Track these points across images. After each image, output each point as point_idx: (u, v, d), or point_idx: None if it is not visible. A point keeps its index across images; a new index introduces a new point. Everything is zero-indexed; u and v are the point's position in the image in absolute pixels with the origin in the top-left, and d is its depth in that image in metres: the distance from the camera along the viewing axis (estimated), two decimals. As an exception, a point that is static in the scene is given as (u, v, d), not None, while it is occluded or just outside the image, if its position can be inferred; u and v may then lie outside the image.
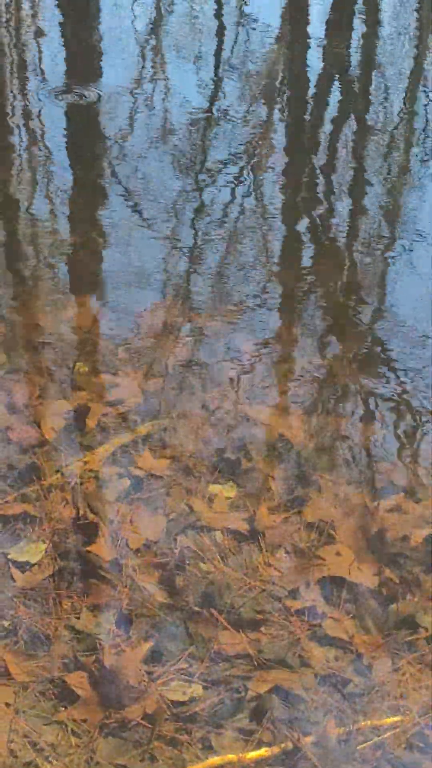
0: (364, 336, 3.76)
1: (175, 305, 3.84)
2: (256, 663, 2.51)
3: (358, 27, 6.59)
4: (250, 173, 4.82)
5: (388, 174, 4.96)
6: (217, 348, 3.62)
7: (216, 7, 6.71)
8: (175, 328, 3.71)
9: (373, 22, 6.64)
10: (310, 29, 6.42)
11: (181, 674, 2.48)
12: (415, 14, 6.78)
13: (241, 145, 5.03)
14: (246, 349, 3.60)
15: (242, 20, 6.54)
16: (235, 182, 4.72)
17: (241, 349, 3.60)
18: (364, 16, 6.76)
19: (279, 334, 3.73)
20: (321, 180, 4.93)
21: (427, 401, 3.41)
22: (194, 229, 4.40)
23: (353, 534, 2.86)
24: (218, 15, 6.60)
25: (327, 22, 6.53)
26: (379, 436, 3.27)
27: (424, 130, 5.32)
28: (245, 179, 4.77)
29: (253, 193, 4.70)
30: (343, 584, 2.73)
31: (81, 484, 2.95)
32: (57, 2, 6.61)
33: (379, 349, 3.69)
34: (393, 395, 3.44)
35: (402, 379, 3.52)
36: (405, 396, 3.44)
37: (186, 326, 3.73)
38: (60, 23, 6.30)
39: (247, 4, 6.75)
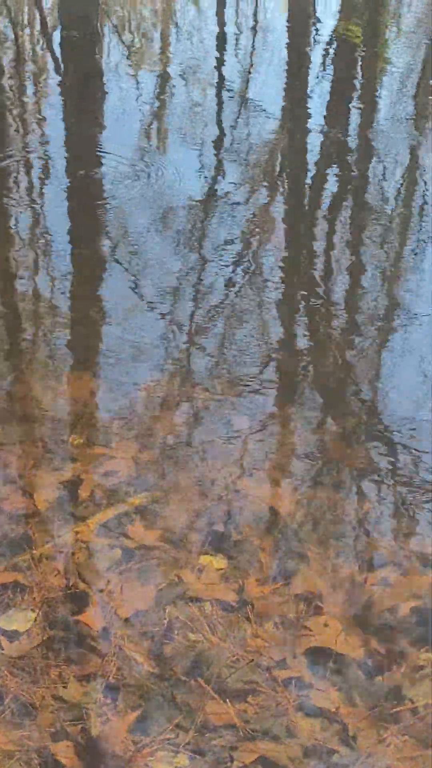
0: (356, 415, 3.82)
1: (171, 381, 3.91)
2: (242, 733, 2.52)
3: (356, 113, 6.78)
4: (250, 255, 4.93)
5: (386, 257, 5.06)
6: (211, 424, 3.68)
7: (218, 93, 6.92)
8: (171, 403, 3.78)
9: (371, 109, 6.82)
10: (310, 115, 6.60)
11: (168, 744, 2.49)
12: (412, 101, 6.97)
13: (241, 227, 5.15)
14: (239, 425, 3.66)
15: (244, 106, 6.73)
16: (235, 264, 4.83)
17: (234, 426, 3.65)
18: (361, 104, 6.95)
19: (273, 412, 3.79)
20: (319, 263, 5.03)
21: (416, 478, 3.46)
22: (193, 308, 4.49)
23: (341, 606, 2.88)
24: (220, 101, 6.80)
25: (326, 109, 6.73)
26: (367, 511, 3.31)
27: (420, 215, 5.44)
28: (244, 261, 4.87)
29: (252, 275, 4.81)
30: (331, 655, 2.74)
31: (72, 554, 2.98)
32: (60, 90, 6.84)
33: (370, 427, 3.75)
34: (382, 472, 3.48)
35: (392, 457, 3.58)
36: (394, 473, 3.49)
37: (181, 402, 3.80)
38: (63, 107, 6.51)
39: (248, 92, 6.96)
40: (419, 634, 2.82)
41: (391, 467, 3.51)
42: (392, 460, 3.55)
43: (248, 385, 3.90)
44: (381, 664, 2.73)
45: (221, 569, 2.98)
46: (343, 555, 3.08)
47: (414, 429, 3.70)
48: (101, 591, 2.86)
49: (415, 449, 3.59)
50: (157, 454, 3.46)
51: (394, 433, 3.69)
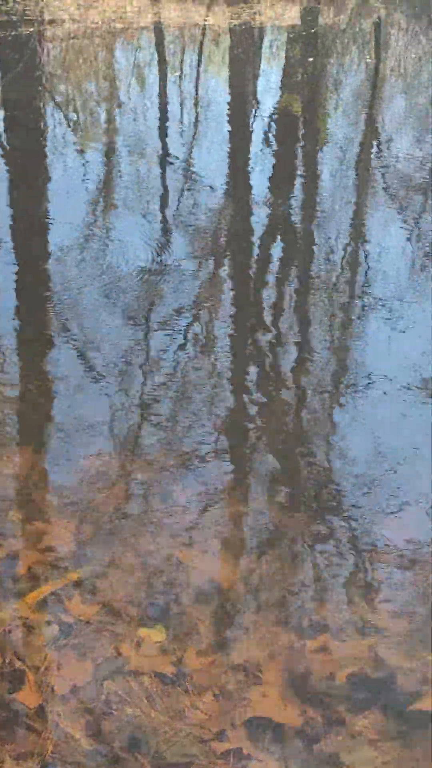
0: (302, 483, 3.86)
1: (114, 454, 3.94)
2: (180, 808, 2.52)
3: (299, 185, 6.92)
4: (198, 325, 4.99)
5: (333, 324, 5.14)
6: (153, 496, 3.70)
7: (163, 167, 7.04)
8: (113, 476, 3.80)
9: (313, 180, 6.97)
10: (253, 187, 6.73)
11: None
12: (353, 172, 7.14)
13: (189, 298, 5.22)
14: (181, 497, 3.69)
15: (189, 179, 6.85)
16: (183, 333, 4.89)
17: (176, 498, 3.68)
18: (304, 175, 7.11)
19: (215, 483, 3.82)
20: (267, 331, 5.10)
21: (358, 543, 3.50)
22: (140, 379, 4.53)
23: (280, 674, 2.89)
24: (166, 175, 6.92)
25: (269, 180, 6.87)
26: (307, 579, 3.33)
27: (364, 283, 5.54)
28: (193, 331, 4.93)
29: (201, 345, 4.86)
30: (269, 725, 2.75)
31: (9, 631, 2.98)
32: (7, 166, 6.94)
33: (315, 495, 3.79)
34: (322, 540, 3.51)
35: (333, 524, 3.61)
36: (335, 541, 3.52)
37: (124, 475, 3.82)
38: (9, 183, 6.59)
39: (192, 166, 7.09)
40: (357, 700, 2.83)
41: (331, 535, 3.54)
42: (333, 527, 3.58)
43: (192, 457, 3.93)
44: (319, 731, 2.73)
45: (160, 642, 2.98)
46: (283, 624, 3.10)
47: (361, 496, 3.74)
48: (38, 668, 2.86)
49: (358, 517, 3.63)
50: (97, 527, 3.48)
51: (338, 499, 3.73)
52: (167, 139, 7.59)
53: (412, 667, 2.90)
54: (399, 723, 2.75)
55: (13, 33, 9.55)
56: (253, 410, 4.39)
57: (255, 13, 10.38)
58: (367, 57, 9.64)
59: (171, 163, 7.10)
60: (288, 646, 3.00)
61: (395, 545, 3.51)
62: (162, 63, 9.20)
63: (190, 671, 2.89)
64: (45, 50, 9.38)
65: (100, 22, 9.86)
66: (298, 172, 7.13)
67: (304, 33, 9.96)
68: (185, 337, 4.85)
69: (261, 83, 9.00)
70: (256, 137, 7.59)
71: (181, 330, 4.89)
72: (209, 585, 3.26)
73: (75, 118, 8.09)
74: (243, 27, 9.87)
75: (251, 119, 8.05)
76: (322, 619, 3.12)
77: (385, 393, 4.48)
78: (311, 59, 9.21)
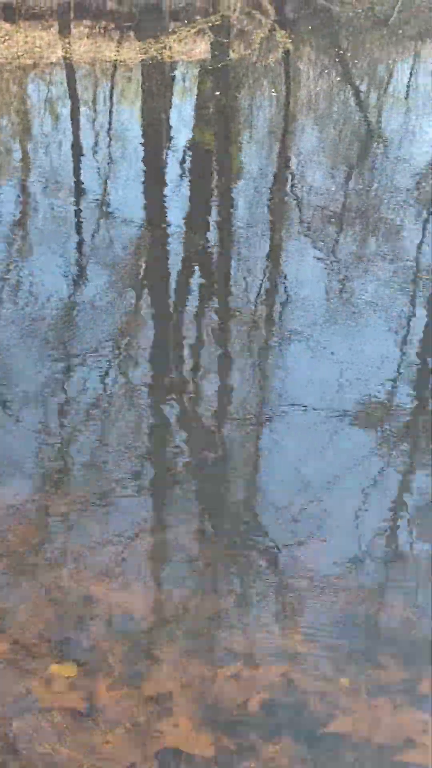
0: (221, 513, 3.87)
1: (28, 489, 3.90)
2: None
3: (214, 217, 6.97)
4: (116, 360, 4.98)
5: (252, 355, 5.17)
6: (68, 530, 3.68)
7: (78, 201, 7.04)
8: (28, 512, 3.76)
9: (227, 212, 7.02)
10: (169, 220, 6.75)
11: None
12: (267, 203, 7.21)
13: (107, 332, 5.20)
14: (96, 530, 3.67)
15: (104, 214, 6.86)
16: (101, 368, 4.87)
17: (90, 531, 3.65)
18: (219, 208, 7.16)
19: (133, 515, 3.80)
20: (187, 361, 5.12)
21: (276, 572, 3.51)
22: (57, 414, 4.50)
23: (191, 704, 2.88)
24: (81, 209, 6.92)
25: (185, 213, 6.91)
26: (221, 607, 3.33)
27: (281, 314, 5.59)
28: (111, 365, 4.92)
29: (119, 379, 4.86)
30: (180, 755, 2.73)
31: None
32: None
33: (230, 527, 3.80)
34: (243, 568, 3.52)
35: (255, 553, 3.62)
36: (254, 567, 3.53)
37: (38, 510, 3.78)
38: None
39: (108, 201, 7.11)
40: (269, 726, 2.83)
41: (249, 565, 3.55)
42: (252, 557, 3.59)
43: (109, 491, 3.92)
44: (231, 760, 2.72)
45: (71, 677, 2.95)
46: (195, 653, 3.09)
47: (283, 526, 3.77)
48: None
49: (278, 547, 3.65)
50: (7, 564, 3.43)
51: (259, 529, 3.75)
52: (81, 174, 7.60)
53: (324, 691, 2.91)
54: (310, 748, 2.75)
55: None
56: (173, 442, 4.39)
57: (165, 48, 10.49)
58: (273, 91, 9.80)
59: (86, 198, 7.10)
60: (201, 676, 2.99)
61: (311, 572, 3.53)
62: (74, 98, 9.25)
63: (102, 706, 2.87)
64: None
65: (9, 58, 9.90)
66: (214, 205, 7.18)
67: (213, 67, 10.10)
68: (103, 372, 4.83)
69: (174, 117, 9.08)
70: (171, 171, 7.64)
71: (99, 364, 4.87)
72: (122, 618, 3.24)
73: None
74: (153, 62, 9.97)
75: (165, 153, 8.11)
76: (236, 647, 3.12)
77: (306, 421, 4.53)
78: (218, 93, 9.33)
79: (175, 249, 6.34)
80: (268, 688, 2.95)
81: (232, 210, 7.04)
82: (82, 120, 9.04)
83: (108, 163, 7.87)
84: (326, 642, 3.16)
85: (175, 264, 6.16)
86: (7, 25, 11.60)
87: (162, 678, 2.97)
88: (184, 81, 10.46)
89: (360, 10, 14.75)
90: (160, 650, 3.09)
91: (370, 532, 3.82)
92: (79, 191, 7.26)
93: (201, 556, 3.56)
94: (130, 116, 9.40)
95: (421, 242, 6.57)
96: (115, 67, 10.26)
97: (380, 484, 4.15)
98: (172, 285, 5.91)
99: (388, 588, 3.53)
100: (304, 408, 4.61)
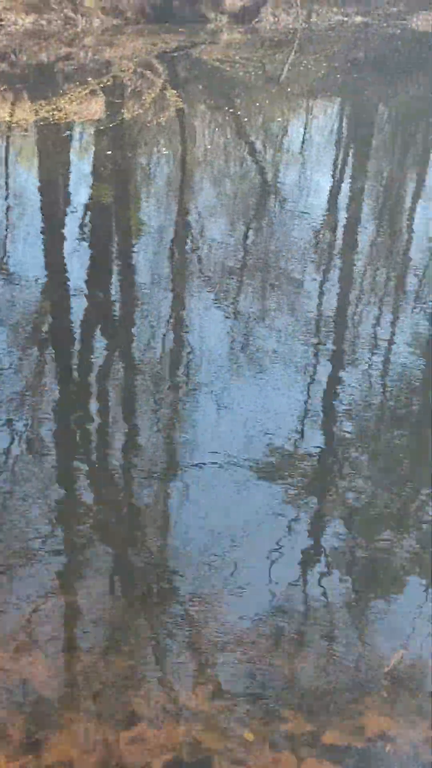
0: (135, 571, 3.80)
1: None
2: None
3: (116, 274, 6.96)
4: (22, 419, 4.89)
5: (157, 407, 5.13)
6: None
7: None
8: None
9: (129, 268, 7.01)
10: (70, 278, 6.71)
11: None
12: (168, 259, 7.23)
13: (11, 391, 5.12)
14: (4, 595, 3.56)
15: (3, 273, 6.78)
16: (6, 430, 4.78)
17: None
18: (119, 264, 7.15)
19: (43, 579, 3.70)
20: (94, 418, 5.05)
21: (185, 628, 3.45)
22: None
23: (95, 770, 2.78)
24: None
25: (86, 271, 6.88)
26: (122, 668, 3.24)
27: (186, 369, 5.58)
28: (16, 426, 4.83)
29: (26, 439, 4.77)
30: None
31: None
32: None
33: (148, 581, 3.73)
34: (148, 626, 3.45)
35: (168, 609, 3.56)
36: (162, 626, 3.46)
37: None
38: None
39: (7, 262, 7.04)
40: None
41: (157, 622, 3.48)
42: (163, 614, 3.52)
43: (11, 555, 3.81)
44: None
45: (-32, 750, 2.83)
46: (98, 717, 2.99)
47: (197, 580, 3.71)
48: None
49: (192, 602, 3.59)
50: None
51: (173, 585, 3.68)
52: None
53: (227, 748, 2.84)
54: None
55: None
56: (87, 498, 4.32)
57: (58, 109, 10.49)
58: (167, 149, 9.89)
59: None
60: (103, 740, 2.89)
61: (220, 626, 3.48)
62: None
63: (1, 778, 2.75)
64: None
65: None
66: (115, 262, 7.16)
67: (106, 127, 10.12)
68: (9, 433, 4.75)
69: (71, 176, 9.05)
70: (70, 229, 7.61)
71: (3, 426, 4.79)
72: (21, 686, 3.13)
73: None
74: (48, 122, 9.97)
75: (64, 212, 8.08)
76: (139, 709, 3.03)
77: (215, 473, 4.51)
78: (113, 152, 9.34)
79: (78, 306, 6.29)
80: (172, 749, 2.86)
81: (133, 266, 7.03)
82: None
83: (6, 225, 7.80)
84: (232, 697, 3.09)
85: (77, 321, 6.11)
86: None
87: (63, 745, 2.86)
88: (79, 141, 10.49)
89: (250, 70, 15.06)
90: (61, 717, 2.98)
91: (280, 585, 3.79)
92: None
93: (107, 616, 3.48)
94: (26, 177, 9.37)
95: (321, 294, 6.65)
96: (9, 128, 10.25)
97: (289, 535, 4.13)
98: (76, 343, 5.86)
99: (296, 641, 3.49)
100: (212, 461, 4.58)
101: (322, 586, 3.86)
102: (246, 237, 7.83)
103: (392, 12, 22.83)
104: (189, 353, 5.75)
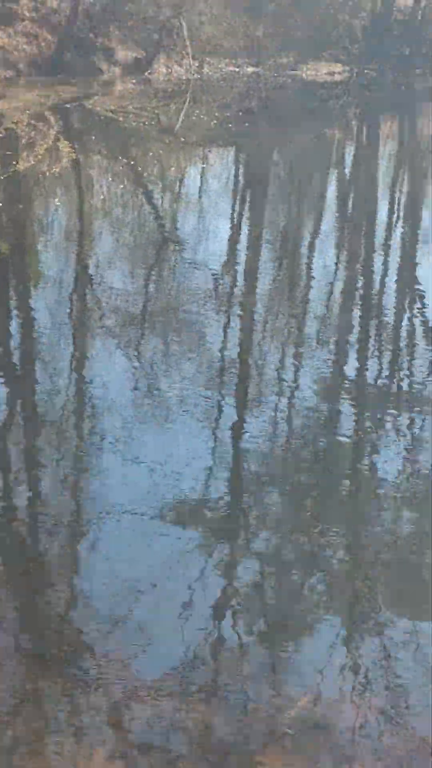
0: (39, 631, 3.69)
1: None
2: None
3: (14, 325, 6.86)
4: None
5: (61, 459, 5.04)
6: None
7: None
8: None
9: (29, 318, 6.92)
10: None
11: None
12: (68, 309, 7.17)
13: None
14: None
15: None
16: None
17: None
18: (19, 313, 7.05)
19: None
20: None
21: (92, 688, 3.36)
22: None
23: None
24: None
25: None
26: (26, 731, 3.13)
27: (91, 417, 5.50)
28: None
29: None
30: None
31: None
32: None
33: (52, 641, 3.63)
34: (53, 686, 3.34)
35: (71, 672, 3.46)
36: (67, 686, 3.36)
37: None
38: None
39: None
40: None
41: (62, 686, 3.38)
42: (67, 677, 3.42)
43: None
44: None
45: None
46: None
47: (103, 638, 3.62)
48: None
49: (98, 662, 3.50)
50: None
51: (79, 645, 3.59)
52: None
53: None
54: None
55: None
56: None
57: None
58: (62, 199, 9.88)
59: None
60: None
61: (128, 682, 3.40)
62: None
63: None
64: None
65: None
66: (14, 312, 7.07)
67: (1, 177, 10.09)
68: None
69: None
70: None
71: None
72: None
73: None
74: None
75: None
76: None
77: (121, 525, 4.41)
78: (2, 204, 9.28)
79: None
80: None
81: (32, 316, 6.94)
82: None
83: None
84: (135, 755, 3.02)
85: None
86: None
87: None
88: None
89: (144, 121, 15.18)
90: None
91: (188, 635, 3.73)
92: None
93: (3, 675, 3.36)
94: None
95: (224, 339, 6.66)
96: None
97: (198, 583, 4.07)
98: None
99: (204, 693, 3.44)
100: (118, 510, 4.50)
101: (231, 634, 3.80)
102: (146, 285, 7.82)
103: (283, 62, 23.35)
104: (92, 402, 5.68)
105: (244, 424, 5.49)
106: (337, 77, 23.79)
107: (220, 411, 5.62)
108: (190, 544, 4.33)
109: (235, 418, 5.58)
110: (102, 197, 10.83)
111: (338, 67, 24.36)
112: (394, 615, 3.96)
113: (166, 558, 4.20)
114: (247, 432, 5.40)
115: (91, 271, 8.05)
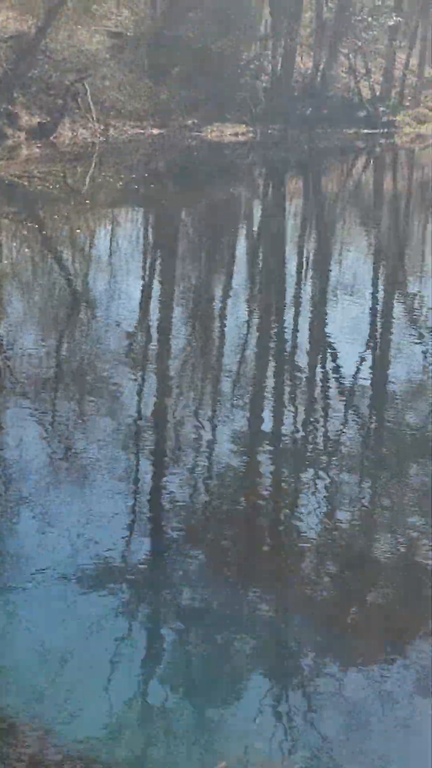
0: None
1: None
2: None
3: None
4: None
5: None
6: None
7: None
8: None
9: None
10: None
11: None
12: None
13: None
14: None
15: None
16: None
17: None
18: None
19: None
20: None
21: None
22: None
23: None
24: None
25: None
26: None
27: (6, 479, 5.39)
28: None
29: None
30: None
31: None
32: None
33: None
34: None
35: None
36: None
37: None
38: None
39: None
40: None
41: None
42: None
43: None
44: None
45: None
46: None
47: (26, 709, 3.51)
48: None
49: (21, 735, 3.39)
50: None
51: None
52: None
53: None
54: None
55: None
56: None
57: None
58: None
59: None
60: None
61: (54, 752, 3.31)
62: None
63: None
64: None
65: None
66: None
67: None
68: None
69: None
70: None
71: None
72: None
73: None
74: None
75: None
76: None
77: (41, 590, 4.31)
78: None
79: None
80: None
81: None
82: None
83: None
84: None
85: None
86: None
87: None
88: None
89: (51, 184, 15.20)
90: None
91: (116, 706, 3.64)
92: None
93: None
94: None
95: (139, 398, 6.63)
96: None
97: (121, 649, 3.99)
98: None
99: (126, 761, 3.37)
100: (37, 576, 4.40)
101: (156, 698, 3.73)
102: (59, 347, 7.76)
103: (187, 124, 23.67)
104: (8, 467, 5.58)
105: (163, 483, 5.45)
106: (242, 138, 24.21)
107: (138, 471, 5.56)
108: (111, 608, 4.25)
109: (153, 476, 5.53)
110: (10, 260, 10.76)
111: (242, 128, 24.81)
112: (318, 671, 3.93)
113: (86, 622, 4.12)
114: (165, 490, 5.35)
115: (1, 332, 7.96)
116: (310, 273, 11.32)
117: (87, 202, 14.52)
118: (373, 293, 10.37)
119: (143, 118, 22.69)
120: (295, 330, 8.64)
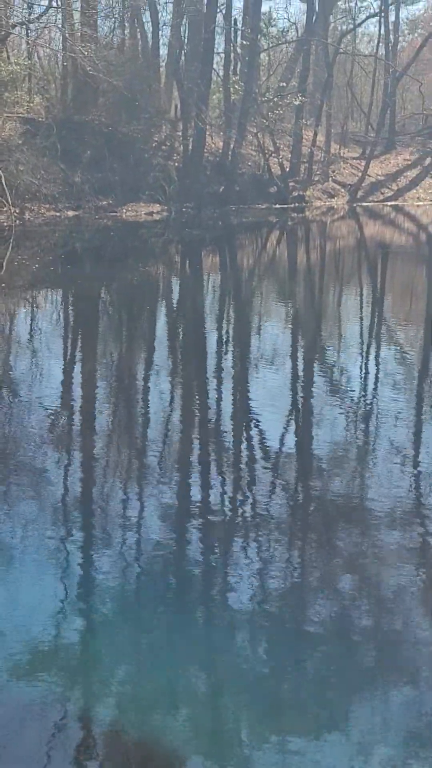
0: None
1: None
2: None
3: None
4: None
5: None
6: None
7: None
8: None
9: None
10: None
11: None
12: None
13: None
14: None
15: None
16: None
17: None
18: None
19: None
20: None
21: None
22: None
23: None
24: None
25: None
26: None
27: None
28: None
29: None
30: None
31: None
32: None
33: None
34: None
35: None
36: None
37: None
38: None
39: None
40: None
41: None
42: None
43: None
44: None
45: None
46: None
47: None
48: None
49: None
50: None
51: None
52: None
53: None
54: None
55: None
56: None
57: None
58: None
59: None
60: None
61: None
62: None
63: None
64: None
65: None
66: None
67: None
68: None
69: None
70: None
71: None
72: None
73: None
74: None
75: None
76: None
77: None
78: None
79: None
80: None
81: None
82: None
83: None
84: None
85: None
86: None
87: None
88: None
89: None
90: None
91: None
92: None
93: None
94: None
95: (65, 478, 6.55)
96: None
97: (54, 736, 3.91)
98: None
99: None
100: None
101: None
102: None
103: (101, 205, 23.92)
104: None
105: (92, 563, 5.38)
106: (156, 216, 24.54)
107: (66, 552, 5.48)
108: (41, 696, 4.16)
109: (82, 557, 5.45)
110: None
111: (156, 207, 25.17)
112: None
113: (16, 712, 4.03)
114: (95, 571, 5.29)
115: None
116: (231, 346, 11.42)
117: (2, 285, 14.51)
118: (292, 364, 10.51)
119: (58, 200, 22.88)
120: (219, 400, 8.69)
